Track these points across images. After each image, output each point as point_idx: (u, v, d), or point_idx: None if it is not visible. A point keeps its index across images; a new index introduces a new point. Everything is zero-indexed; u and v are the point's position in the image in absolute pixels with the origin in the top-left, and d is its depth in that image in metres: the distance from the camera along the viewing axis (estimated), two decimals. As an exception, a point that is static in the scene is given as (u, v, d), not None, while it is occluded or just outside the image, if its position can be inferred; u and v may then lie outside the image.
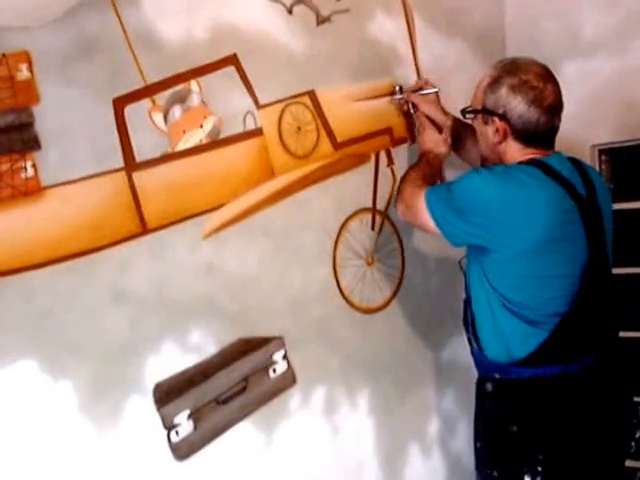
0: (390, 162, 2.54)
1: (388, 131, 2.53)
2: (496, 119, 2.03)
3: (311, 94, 2.30)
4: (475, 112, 2.13)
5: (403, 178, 2.26)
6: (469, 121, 2.22)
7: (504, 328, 2.05)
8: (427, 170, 2.26)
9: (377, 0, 2.51)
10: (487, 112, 2.06)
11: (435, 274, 2.73)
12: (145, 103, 1.92)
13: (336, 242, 2.38)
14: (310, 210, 2.30)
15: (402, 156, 2.55)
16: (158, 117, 1.95)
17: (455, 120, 2.40)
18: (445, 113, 2.41)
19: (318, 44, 2.33)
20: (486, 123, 2.09)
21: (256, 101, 2.15)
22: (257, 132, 2.15)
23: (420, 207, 2.06)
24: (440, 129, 2.34)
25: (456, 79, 2.73)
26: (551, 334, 1.98)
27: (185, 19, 2.00)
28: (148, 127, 1.92)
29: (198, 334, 2.01)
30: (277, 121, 2.20)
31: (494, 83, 2.03)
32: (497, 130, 2.04)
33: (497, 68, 2.06)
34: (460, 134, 2.41)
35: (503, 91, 2.01)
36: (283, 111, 2.22)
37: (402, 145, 2.57)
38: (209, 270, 2.04)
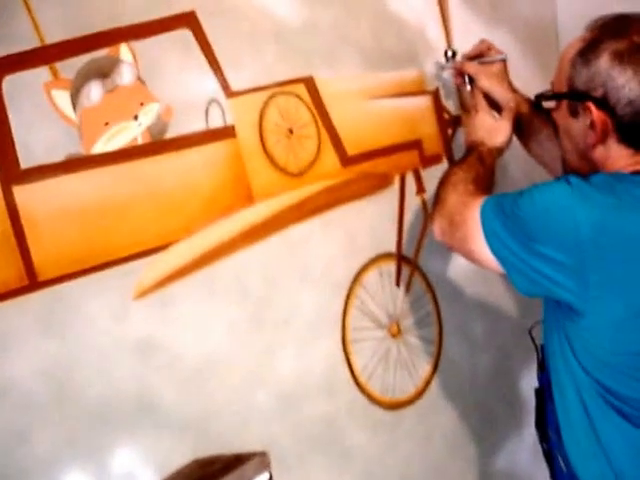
0: (420, 189, 1.81)
1: (417, 145, 1.80)
2: (591, 106, 1.28)
3: (308, 82, 1.57)
4: (557, 97, 1.39)
5: (444, 180, 1.53)
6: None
7: (608, 437, 1.33)
8: (480, 169, 1.53)
9: (398, -38, 1.81)
10: (576, 96, 1.31)
11: (484, 348, 1.98)
12: (41, 74, 1.22)
13: (346, 304, 1.65)
14: (307, 255, 1.59)
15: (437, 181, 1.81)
16: (62, 98, 1.23)
17: (524, 100, 1.72)
18: (513, 91, 1.73)
19: (318, 13, 1.62)
20: (574, 114, 1.33)
21: (225, 85, 1.44)
22: (226, 132, 1.43)
23: (472, 225, 1.33)
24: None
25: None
26: None
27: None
28: (45, 113, 1.23)
29: (127, 455, 1.32)
30: (257, 118, 1.48)
31: (588, 50, 1.29)
32: (592, 125, 1.29)
33: (593, 28, 1.33)
34: (532, 121, 1.71)
35: (603, 62, 1.26)
36: (267, 103, 1.50)
37: (436, 165, 1.84)
38: (145, 350, 1.34)
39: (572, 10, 2.35)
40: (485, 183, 1.48)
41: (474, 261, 1.37)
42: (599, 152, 1.32)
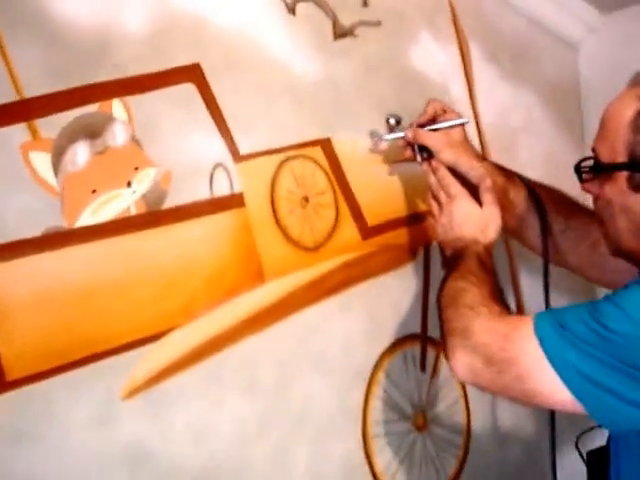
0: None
1: (442, 213, 1.60)
2: None
3: (326, 144, 1.39)
4: (611, 169, 1.10)
5: (453, 301, 1.17)
6: (589, 186, 1.17)
7: None
8: (489, 279, 1.20)
9: (421, 14, 1.64)
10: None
11: (514, 439, 1.75)
12: (16, 132, 1.01)
13: (367, 394, 1.44)
14: (324, 340, 1.37)
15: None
16: (42, 161, 1.03)
17: (494, 168, 1.41)
18: (481, 160, 1.41)
19: (336, 69, 1.45)
20: (637, 189, 1.07)
21: (233, 148, 1.25)
22: (234, 200, 1.24)
23: (528, 362, 1.02)
24: (475, 192, 1.32)
25: (524, 142, 1.89)
26: None
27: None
28: (20, 178, 1.02)
29: None
30: (269, 185, 1.29)
31: None
32: None
33: None
34: (507, 193, 1.40)
35: None
36: (280, 168, 1.31)
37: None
38: (136, 458, 1.09)
39: (594, 68, 2.22)
40: (502, 295, 1.19)
41: (534, 403, 1.07)
42: None
